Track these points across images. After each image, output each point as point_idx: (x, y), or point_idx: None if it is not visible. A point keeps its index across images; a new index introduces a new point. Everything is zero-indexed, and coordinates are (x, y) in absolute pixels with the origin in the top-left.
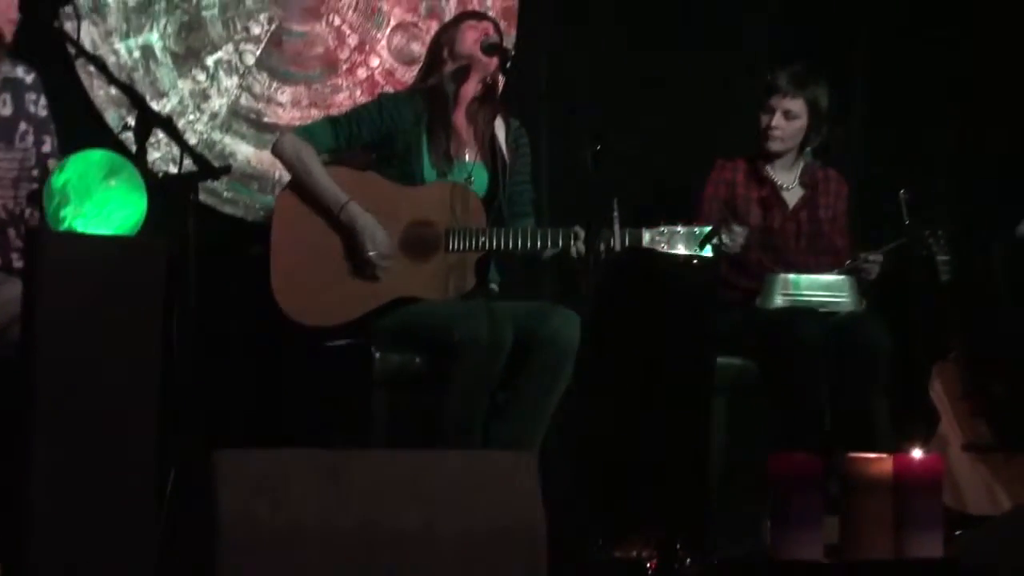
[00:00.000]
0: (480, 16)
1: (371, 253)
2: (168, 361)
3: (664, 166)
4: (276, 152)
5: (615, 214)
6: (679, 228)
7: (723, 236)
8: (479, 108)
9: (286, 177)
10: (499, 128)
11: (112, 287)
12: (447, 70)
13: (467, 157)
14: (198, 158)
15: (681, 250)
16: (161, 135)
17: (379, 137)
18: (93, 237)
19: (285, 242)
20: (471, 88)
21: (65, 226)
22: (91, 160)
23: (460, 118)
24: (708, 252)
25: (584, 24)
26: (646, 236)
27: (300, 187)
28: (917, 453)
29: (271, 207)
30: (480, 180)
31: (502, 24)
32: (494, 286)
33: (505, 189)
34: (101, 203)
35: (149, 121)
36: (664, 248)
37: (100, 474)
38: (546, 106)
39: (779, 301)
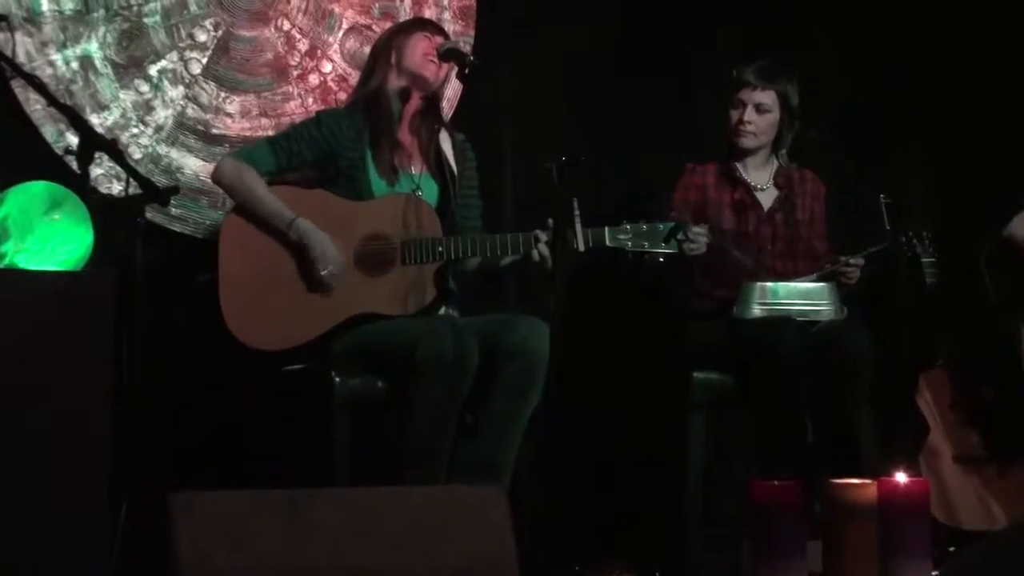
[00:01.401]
0: (435, 28)
1: (323, 271)
2: (119, 395)
3: (632, 174)
4: (216, 178)
5: (576, 213)
6: (642, 225)
7: (687, 231)
8: (422, 121)
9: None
10: (444, 140)
11: (58, 323)
12: (392, 84)
13: (414, 169)
14: (144, 182)
15: (645, 247)
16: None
17: (321, 155)
18: (36, 273)
19: (233, 266)
20: (416, 101)
21: (6, 262)
22: (32, 193)
23: (404, 131)
24: (674, 248)
25: (547, 24)
26: (609, 235)
27: (245, 210)
28: (902, 477)
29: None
30: (429, 192)
31: (459, 25)
32: (452, 287)
33: (456, 200)
34: (44, 238)
35: (92, 144)
36: (629, 247)
37: (49, 513)
38: (508, 116)
39: (756, 311)
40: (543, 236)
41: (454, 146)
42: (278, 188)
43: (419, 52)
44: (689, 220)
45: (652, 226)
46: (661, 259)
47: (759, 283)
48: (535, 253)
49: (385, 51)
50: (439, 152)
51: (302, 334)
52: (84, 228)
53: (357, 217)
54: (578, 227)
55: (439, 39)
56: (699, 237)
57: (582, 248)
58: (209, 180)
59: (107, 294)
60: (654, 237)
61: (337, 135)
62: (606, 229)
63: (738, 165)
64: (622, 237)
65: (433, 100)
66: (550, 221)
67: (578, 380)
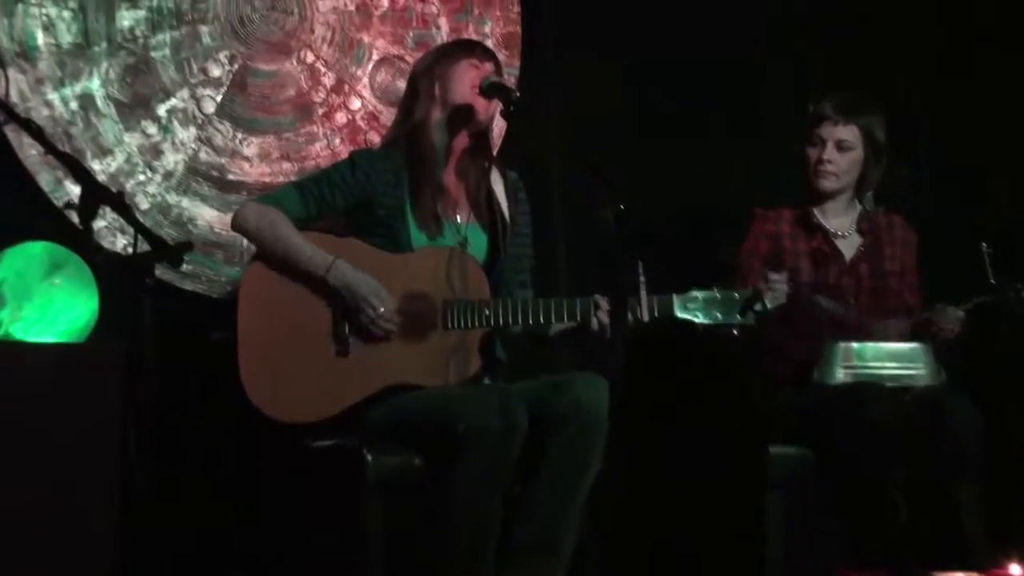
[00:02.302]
0: (484, 53)
1: (380, 310)
2: (128, 476)
3: (697, 222)
4: (238, 224)
5: (641, 279)
6: (715, 294)
7: (766, 298)
8: (471, 161)
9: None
10: (496, 182)
11: (59, 401)
12: (436, 117)
13: (459, 218)
14: (154, 240)
15: (718, 319)
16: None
17: (354, 201)
18: (35, 345)
19: (255, 324)
20: (464, 139)
21: (2, 333)
22: (29, 255)
23: (450, 174)
24: (750, 320)
25: (601, 55)
26: (677, 304)
27: (270, 257)
28: (1016, 570)
29: (238, 281)
30: (478, 244)
31: (503, 55)
32: (500, 354)
33: (507, 252)
34: (44, 305)
35: (95, 197)
36: (699, 318)
37: None
38: (557, 155)
39: (840, 375)
40: (603, 303)
41: (506, 187)
42: (308, 234)
43: (467, 82)
44: (761, 276)
45: (726, 294)
46: (735, 332)
47: (843, 344)
48: (594, 322)
49: (427, 81)
50: (490, 196)
51: (330, 405)
52: (88, 294)
53: (394, 272)
54: (643, 295)
55: (489, 66)
56: (778, 285)
57: (646, 319)
58: (224, 232)
59: (114, 369)
60: (728, 307)
61: (373, 179)
62: (674, 298)
63: (816, 210)
64: (692, 307)
65: (483, 136)
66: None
67: (641, 452)
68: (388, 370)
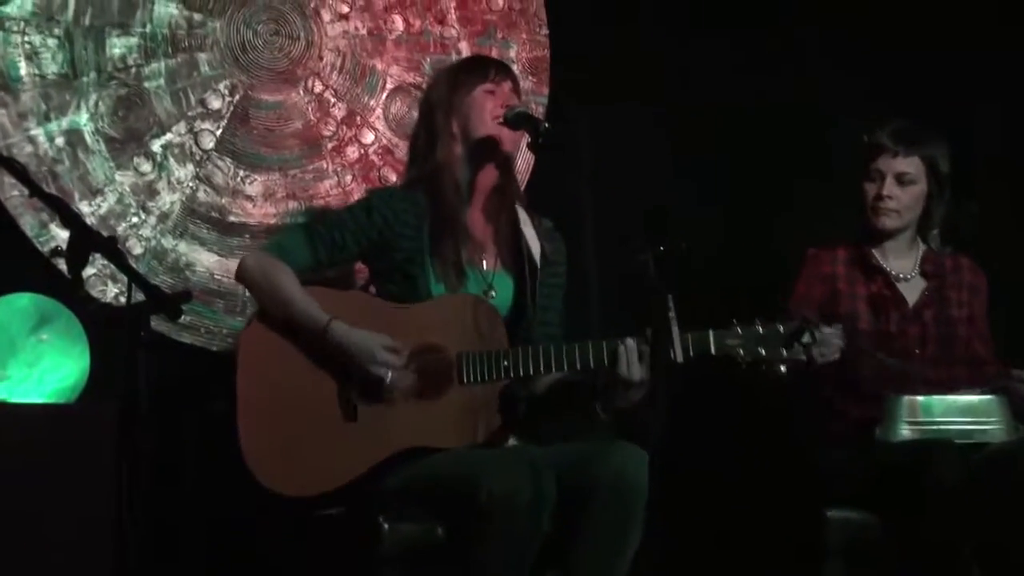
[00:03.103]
0: (499, 70)
1: (380, 372)
2: (121, 547)
3: (742, 264)
4: (239, 275)
5: (671, 314)
6: (757, 327)
7: (815, 332)
8: (499, 200)
9: None
10: (524, 223)
11: (48, 467)
12: (457, 153)
13: (486, 264)
14: (150, 290)
15: (762, 355)
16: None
17: (370, 247)
18: (22, 406)
19: (254, 389)
20: (490, 175)
21: None
22: (15, 308)
23: (475, 215)
24: (799, 355)
25: (639, 78)
26: (714, 339)
27: (270, 316)
28: None
29: (238, 339)
30: (504, 292)
31: (529, 81)
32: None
33: (535, 302)
34: (31, 362)
35: (86, 244)
36: (741, 355)
37: None
38: (590, 193)
39: (905, 432)
40: (633, 345)
41: (537, 230)
42: (310, 289)
43: (487, 111)
44: (817, 319)
45: (770, 328)
46: (782, 369)
47: (908, 397)
48: (623, 367)
49: (442, 116)
50: (519, 239)
51: (340, 475)
52: (78, 350)
53: (404, 326)
54: (674, 331)
55: (506, 86)
56: (831, 340)
57: (679, 358)
58: (226, 279)
59: (106, 432)
60: (773, 342)
61: (392, 222)
62: (711, 333)
63: (874, 250)
64: (731, 343)
65: (509, 171)
66: (647, 331)
67: (684, 520)
68: (400, 433)
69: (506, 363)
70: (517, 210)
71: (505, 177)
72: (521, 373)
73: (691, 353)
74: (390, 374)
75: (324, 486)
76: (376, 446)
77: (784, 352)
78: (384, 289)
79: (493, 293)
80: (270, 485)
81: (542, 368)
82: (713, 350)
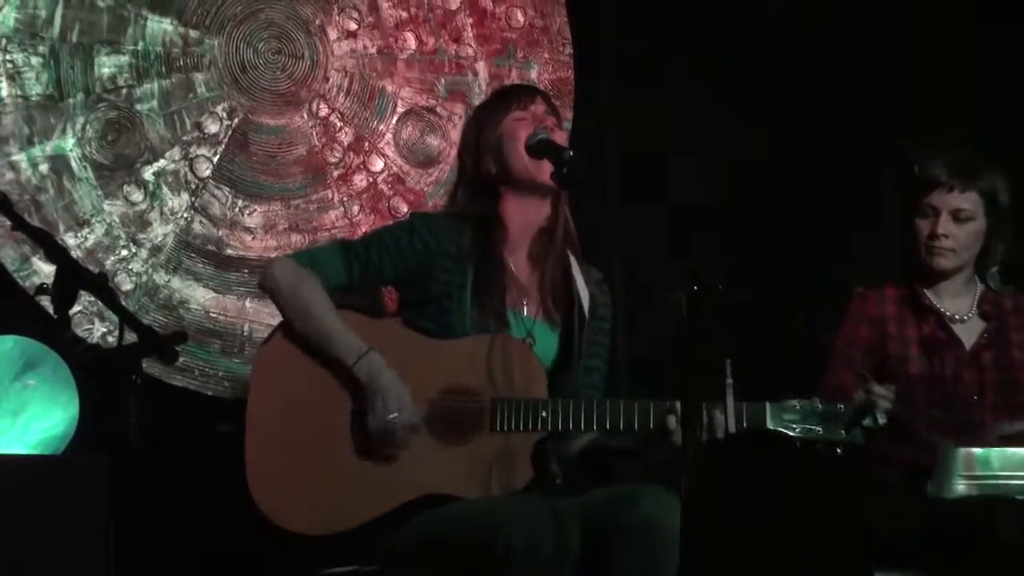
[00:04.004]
0: (524, 94)
1: (391, 415)
2: None
3: (783, 300)
4: (265, 282)
5: (728, 382)
6: (816, 404)
7: (877, 413)
8: (548, 243)
9: (258, 331)
10: (576, 271)
11: (34, 522)
12: (500, 191)
13: (526, 310)
14: (143, 331)
15: (819, 434)
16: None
17: (407, 273)
18: (6, 458)
19: (267, 411)
20: (536, 213)
21: None
22: None
23: (521, 256)
24: (858, 438)
25: (668, 98)
26: (771, 414)
27: (297, 332)
28: None
29: (239, 375)
30: (545, 343)
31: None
32: (556, 476)
33: (580, 358)
34: (15, 411)
35: (73, 281)
36: (795, 431)
37: None
38: (617, 226)
39: (961, 487)
40: (679, 409)
41: (588, 283)
42: (343, 313)
43: (520, 139)
44: (863, 382)
45: (829, 407)
46: (839, 451)
47: (964, 449)
48: (673, 430)
49: (476, 156)
50: (569, 287)
51: (349, 517)
52: (66, 397)
53: (436, 362)
54: (730, 402)
55: (538, 107)
56: (882, 401)
57: (732, 429)
58: (222, 318)
59: (97, 485)
60: (832, 421)
61: (433, 249)
62: (767, 406)
63: (927, 290)
64: (788, 418)
65: (558, 208)
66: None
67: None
68: (419, 478)
69: (544, 414)
70: (568, 256)
71: (554, 217)
72: (560, 427)
73: (744, 425)
74: (401, 421)
75: (332, 527)
76: (392, 490)
77: (843, 434)
78: (414, 321)
79: (531, 341)
80: (274, 518)
81: (583, 424)
82: (769, 424)
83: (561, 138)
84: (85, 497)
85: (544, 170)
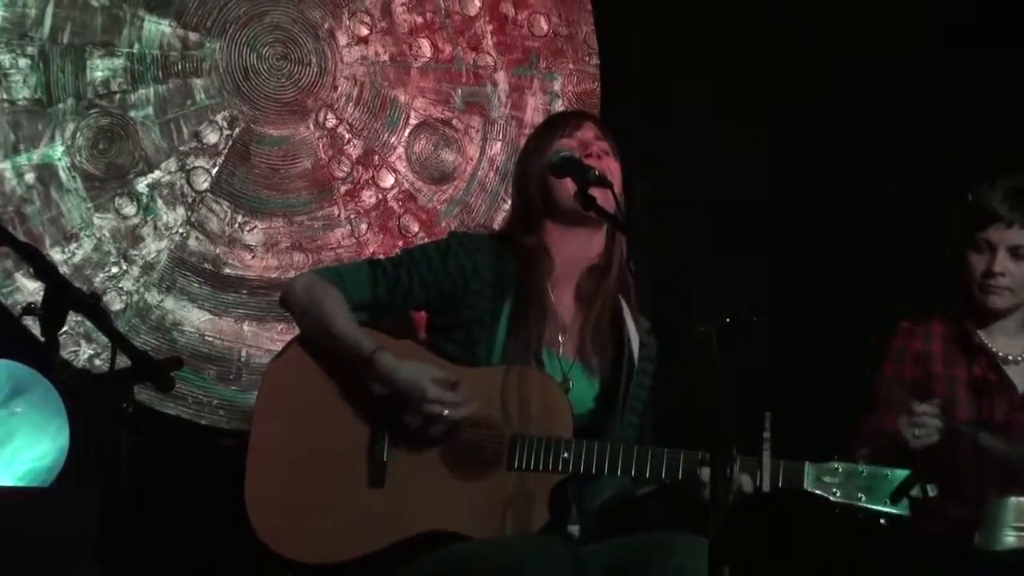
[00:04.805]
0: (572, 118)
1: (433, 410)
2: None
3: (820, 338)
4: (283, 297)
5: (766, 436)
6: (860, 469)
7: (928, 487)
8: (598, 284)
9: (256, 357)
10: (628, 318)
11: (20, 559)
12: (547, 225)
13: (563, 350)
14: (137, 356)
15: (861, 502)
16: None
17: (437, 296)
18: None
19: (273, 428)
20: (586, 250)
21: None
22: None
23: (565, 294)
24: (903, 509)
25: (699, 120)
26: (810, 475)
27: (311, 342)
28: None
29: (236, 403)
30: (580, 388)
31: None
32: (573, 529)
33: (624, 412)
34: (1, 440)
35: (62, 301)
36: (836, 495)
37: None
38: (644, 250)
39: (1010, 539)
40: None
41: (637, 331)
42: (363, 329)
43: (570, 180)
44: (904, 404)
45: (875, 472)
46: (883, 521)
47: (1014, 499)
48: (704, 483)
49: (527, 197)
50: (620, 332)
51: (352, 547)
52: (55, 426)
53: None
54: (766, 457)
55: (587, 132)
56: (928, 421)
57: (767, 487)
58: (218, 342)
59: (87, 520)
60: (876, 489)
61: (468, 273)
62: (806, 467)
63: (980, 330)
64: (828, 481)
65: (612, 247)
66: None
67: None
68: (428, 513)
69: (566, 455)
70: (620, 300)
71: (607, 255)
72: (581, 470)
73: (779, 484)
74: (446, 411)
75: (333, 556)
76: (399, 522)
77: (887, 504)
78: (440, 346)
79: (570, 386)
80: (272, 544)
81: (606, 469)
82: (807, 486)
83: (610, 165)
84: (74, 533)
85: (599, 198)
